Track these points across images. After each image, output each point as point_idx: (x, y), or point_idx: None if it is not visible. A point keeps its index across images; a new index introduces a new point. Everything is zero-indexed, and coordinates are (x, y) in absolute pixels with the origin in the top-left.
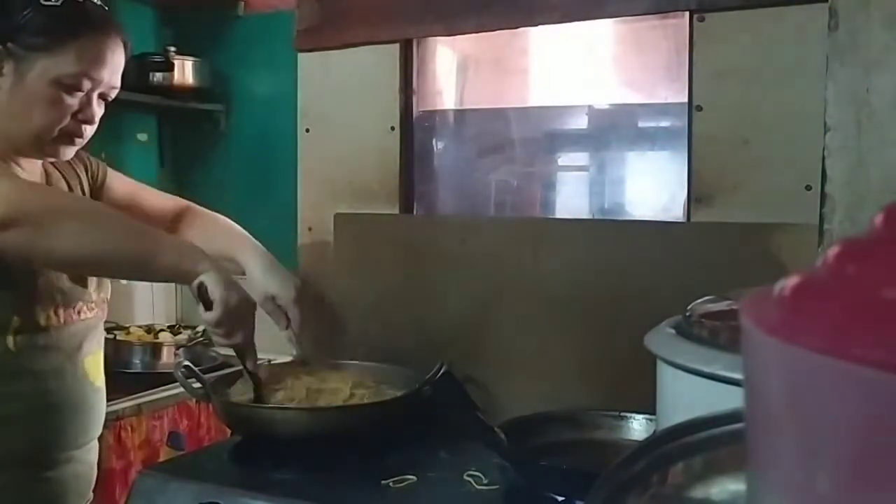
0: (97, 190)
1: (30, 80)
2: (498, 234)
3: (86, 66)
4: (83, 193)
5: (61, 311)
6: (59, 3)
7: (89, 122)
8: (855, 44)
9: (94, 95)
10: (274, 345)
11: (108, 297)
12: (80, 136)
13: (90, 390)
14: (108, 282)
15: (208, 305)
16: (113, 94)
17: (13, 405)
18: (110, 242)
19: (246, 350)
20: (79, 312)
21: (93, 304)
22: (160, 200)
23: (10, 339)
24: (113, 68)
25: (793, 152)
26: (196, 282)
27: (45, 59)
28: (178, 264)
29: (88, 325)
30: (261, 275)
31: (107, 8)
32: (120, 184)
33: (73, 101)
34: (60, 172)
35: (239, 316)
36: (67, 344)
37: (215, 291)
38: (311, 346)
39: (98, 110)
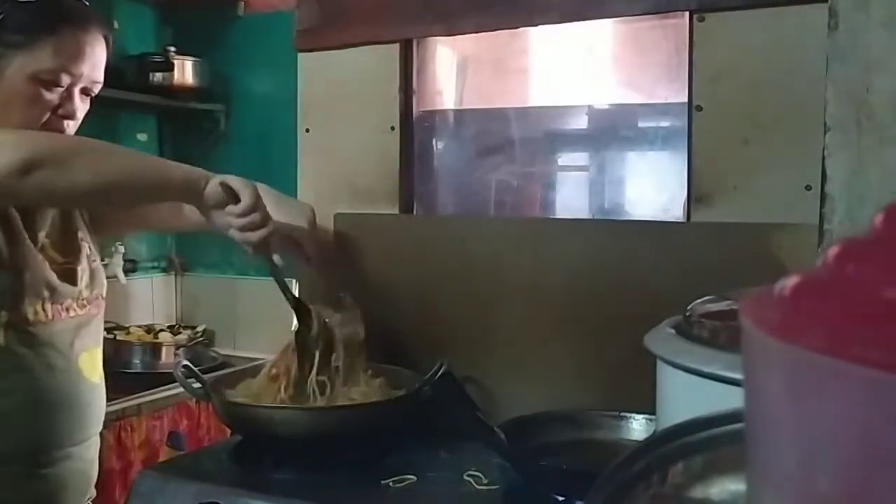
0: None
1: (8, 76)
2: (498, 234)
3: (64, 60)
4: None
5: (48, 307)
6: None
7: (70, 117)
8: (855, 44)
9: (76, 91)
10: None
11: (104, 293)
12: (62, 132)
13: (86, 387)
14: (102, 278)
15: (234, 199)
16: (96, 89)
17: (6, 401)
18: (126, 167)
19: (273, 245)
20: (67, 309)
21: (83, 301)
22: None
23: (0, 335)
24: (93, 63)
25: (793, 152)
26: (216, 179)
27: (22, 55)
28: (190, 175)
29: (80, 321)
30: (273, 209)
31: (87, 3)
32: None
33: (53, 97)
34: None
35: (264, 206)
36: (59, 340)
37: (237, 183)
38: (330, 278)
39: (81, 105)
